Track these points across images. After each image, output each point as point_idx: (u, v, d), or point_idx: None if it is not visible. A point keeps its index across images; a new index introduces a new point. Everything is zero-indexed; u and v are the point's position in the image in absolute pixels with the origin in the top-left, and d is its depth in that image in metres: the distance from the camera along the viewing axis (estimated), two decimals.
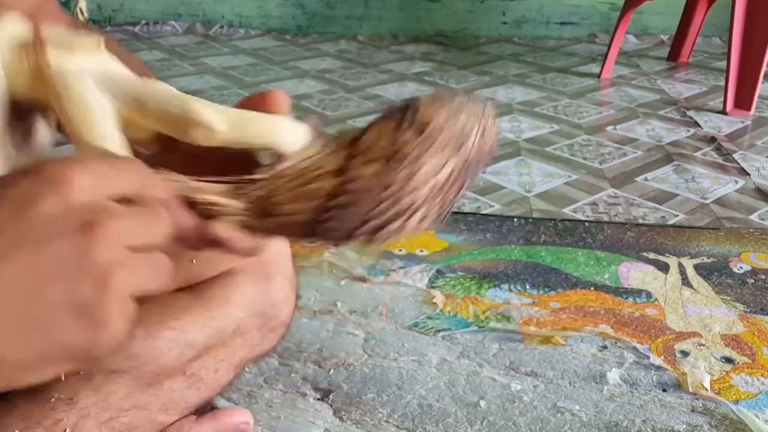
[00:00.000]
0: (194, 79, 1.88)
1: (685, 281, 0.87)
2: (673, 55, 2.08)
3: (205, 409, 0.53)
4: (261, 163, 0.33)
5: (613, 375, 0.68)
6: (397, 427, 0.61)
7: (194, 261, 0.44)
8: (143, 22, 2.61)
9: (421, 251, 0.94)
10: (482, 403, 0.64)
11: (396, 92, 1.76)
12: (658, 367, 0.70)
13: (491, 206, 1.09)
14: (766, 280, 0.87)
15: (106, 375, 0.43)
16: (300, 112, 1.60)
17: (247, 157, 0.33)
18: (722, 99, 1.58)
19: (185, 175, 0.31)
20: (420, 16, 2.48)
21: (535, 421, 0.62)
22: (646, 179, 1.20)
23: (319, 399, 0.65)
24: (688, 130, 1.46)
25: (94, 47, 0.32)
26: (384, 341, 0.74)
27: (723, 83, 1.59)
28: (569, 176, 1.22)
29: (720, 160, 1.29)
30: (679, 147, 1.37)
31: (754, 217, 1.05)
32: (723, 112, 1.56)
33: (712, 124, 1.50)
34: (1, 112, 0.31)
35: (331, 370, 0.69)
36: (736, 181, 1.18)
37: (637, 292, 0.84)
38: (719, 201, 1.11)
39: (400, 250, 0.94)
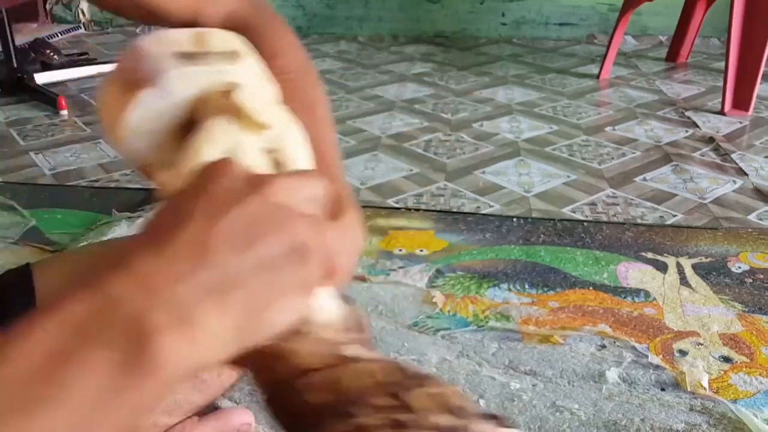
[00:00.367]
0: None
1: (684, 281, 0.87)
2: (672, 55, 2.09)
3: (207, 409, 0.53)
4: None
5: (612, 374, 0.69)
6: None
7: None
8: None
9: (421, 251, 0.94)
10: (482, 401, 0.65)
11: (396, 93, 1.77)
12: (657, 366, 0.70)
13: (491, 206, 1.10)
14: (765, 279, 0.87)
15: None
16: None
17: None
18: (720, 99, 1.58)
19: None
20: (420, 17, 2.49)
21: (534, 419, 0.63)
22: (644, 179, 1.21)
23: None
24: (687, 131, 1.47)
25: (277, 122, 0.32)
26: (384, 340, 0.75)
27: (721, 84, 1.59)
28: (568, 176, 1.22)
29: (718, 161, 1.29)
30: (677, 147, 1.37)
31: (752, 217, 1.06)
32: (721, 112, 1.57)
33: (710, 124, 1.51)
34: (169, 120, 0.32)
35: None
36: (735, 181, 1.19)
37: (635, 292, 0.84)
38: (717, 201, 1.11)
39: (400, 250, 0.94)
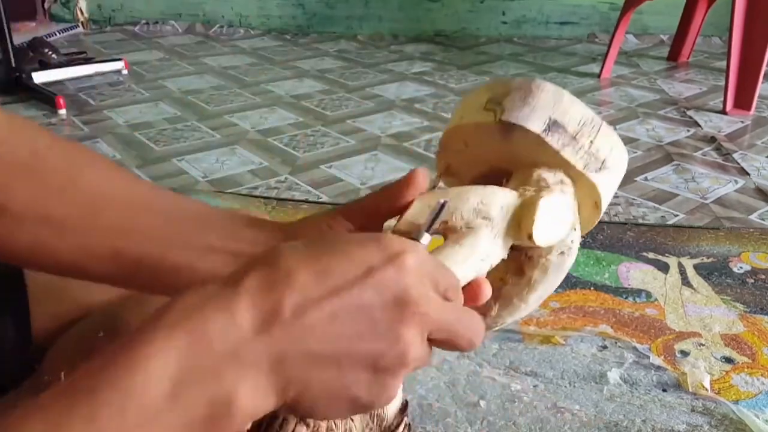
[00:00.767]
0: (194, 79, 1.88)
1: (685, 281, 0.86)
2: (673, 54, 2.08)
3: None
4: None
5: (613, 375, 0.68)
6: None
7: None
8: (143, 21, 2.61)
9: None
10: (482, 402, 0.64)
11: (396, 92, 1.76)
12: (658, 367, 0.70)
13: None
14: (766, 279, 0.87)
15: None
16: (300, 111, 1.60)
17: None
18: (722, 99, 1.58)
19: None
20: (420, 16, 2.48)
21: (535, 420, 0.62)
22: (646, 179, 1.20)
23: None
24: (688, 130, 1.46)
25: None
26: None
27: (723, 83, 1.59)
28: None
29: (720, 160, 1.29)
30: (679, 147, 1.37)
31: (753, 216, 1.05)
32: (723, 111, 1.56)
33: (712, 123, 1.50)
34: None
35: None
36: (736, 181, 1.18)
37: (636, 292, 0.84)
38: (719, 201, 1.11)
39: None
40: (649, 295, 0.83)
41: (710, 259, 0.91)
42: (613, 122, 1.52)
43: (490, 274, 0.34)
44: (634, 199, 1.12)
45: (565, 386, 0.67)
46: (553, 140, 0.34)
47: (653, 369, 0.70)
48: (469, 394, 0.66)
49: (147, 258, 0.34)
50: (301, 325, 0.24)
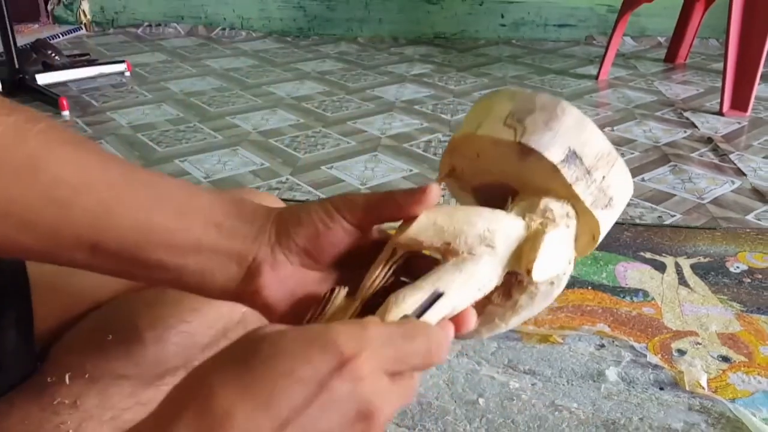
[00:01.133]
0: (196, 81, 1.89)
1: (682, 280, 0.87)
2: (671, 56, 2.09)
3: None
4: None
5: (611, 373, 0.69)
6: (397, 425, 0.62)
7: None
8: (146, 24, 2.62)
9: None
10: (481, 401, 0.65)
11: (396, 93, 1.77)
12: (655, 366, 0.71)
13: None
14: (763, 279, 0.87)
15: (111, 379, 0.43)
16: (301, 112, 1.61)
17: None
18: (719, 100, 1.59)
19: None
20: (419, 19, 2.49)
21: (533, 418, 0.63)
22: (643, 180, 1.21)
23: None
24: (685, 131, 1.47)
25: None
26: None
27: (720, 84, 1.60)
28: None
29: (717, 161, 1.30)
30: (676, 148, 1.38)
31: (750, 217, 1.06)
32: (720, 113, 1.57)
33: (708, 125, 1.51)
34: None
35: None
36: (733, 182, 1.19)
37: (634, 292, 0.85)
38: (716, 201, 1.12)
39: None
40: (646, 294, 0.84)
41: (707, 259, 0.92)
42: (610, 124, 1.53)
43: None
44: (631, 199, 1.13)
45: (563, 384, 0.68)
46: (569, 172, 0.33)
47: (650, 367, 0.70)
48: (468, 392, 0.66)
49: (128, 254, 0.31)
50: None
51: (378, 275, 0.32)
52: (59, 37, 2.45)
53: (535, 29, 2.44)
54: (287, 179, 1.22)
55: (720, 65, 1.70)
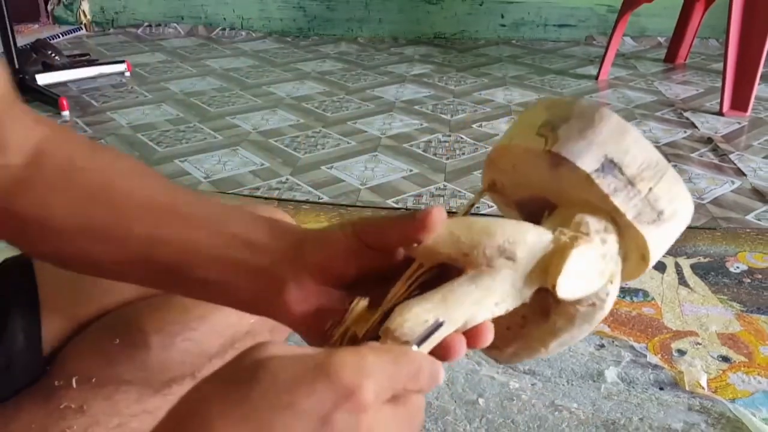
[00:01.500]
0: (196, 81, 1.89)
1: (682, 281, 0.87)
2: (670, 56, 2.09)
3: None
4: None
5: (611, 373, 0.69)
6: None
7: None
8: (146, 24, 2.62)
9: None
10: (481, 401, 0.65)
11: (395, 94, 1.77)
12: (655, 366, 0.71)
13: (490, 206, 1.10)
14: (763, 279, 0.87)
15: (117, 384, 0.43)
16: (301, 112, 1.61)
17: None
18: (719, 100, 1.59)
19: None
20: (419, 19, 2.49)
21: (533, 418, 0.63)
22: None
23: None
24: (685, 131, 1.47)
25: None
26: None
27: (720, 85, 1.60)
28: None
29: (717, 161, 1.30)
30: (676, 148, 1.38)
31: (750, 217, 1.06)
32: (720, 113, 1.57)
33: (708, 125, 1.51)
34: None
35: None
36: (733, 182, 1.19)
37: (634, 292, 0.85)
38: (716, 201, 1.12)
39: None
40: (646, 294, 0.84)
41: (707, 259, 0.92)
42: None
43: (513, 311, 0.31)
44: None
45: (563, 384, 0.68)
46: (605, 182, 0.30)
47: (650, 368, 0.70)
48: (468, 392, 0.66)
49: (177, 268, 0.34)
50: None
51: (401, 287, 0.31)
52: (59, 37, 2.45)
53: (535, 29, 2.44)
54: (287, 179, 1.22)
55: (720, 65, 1.70)
